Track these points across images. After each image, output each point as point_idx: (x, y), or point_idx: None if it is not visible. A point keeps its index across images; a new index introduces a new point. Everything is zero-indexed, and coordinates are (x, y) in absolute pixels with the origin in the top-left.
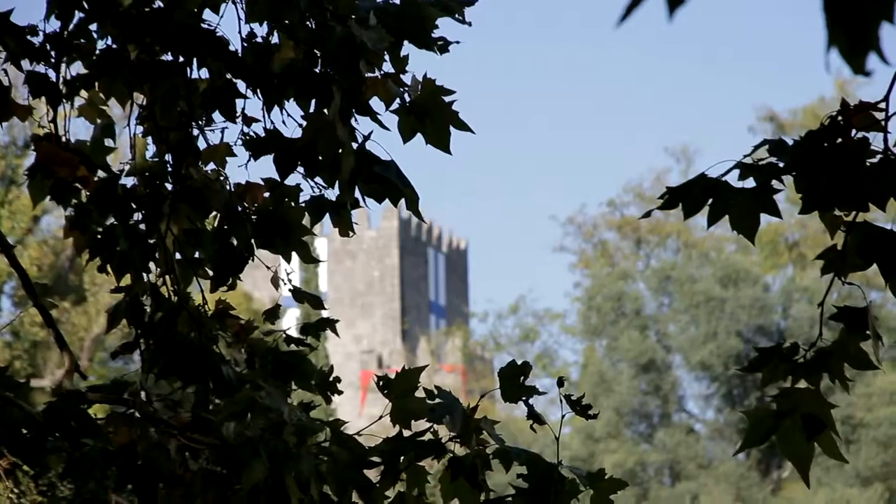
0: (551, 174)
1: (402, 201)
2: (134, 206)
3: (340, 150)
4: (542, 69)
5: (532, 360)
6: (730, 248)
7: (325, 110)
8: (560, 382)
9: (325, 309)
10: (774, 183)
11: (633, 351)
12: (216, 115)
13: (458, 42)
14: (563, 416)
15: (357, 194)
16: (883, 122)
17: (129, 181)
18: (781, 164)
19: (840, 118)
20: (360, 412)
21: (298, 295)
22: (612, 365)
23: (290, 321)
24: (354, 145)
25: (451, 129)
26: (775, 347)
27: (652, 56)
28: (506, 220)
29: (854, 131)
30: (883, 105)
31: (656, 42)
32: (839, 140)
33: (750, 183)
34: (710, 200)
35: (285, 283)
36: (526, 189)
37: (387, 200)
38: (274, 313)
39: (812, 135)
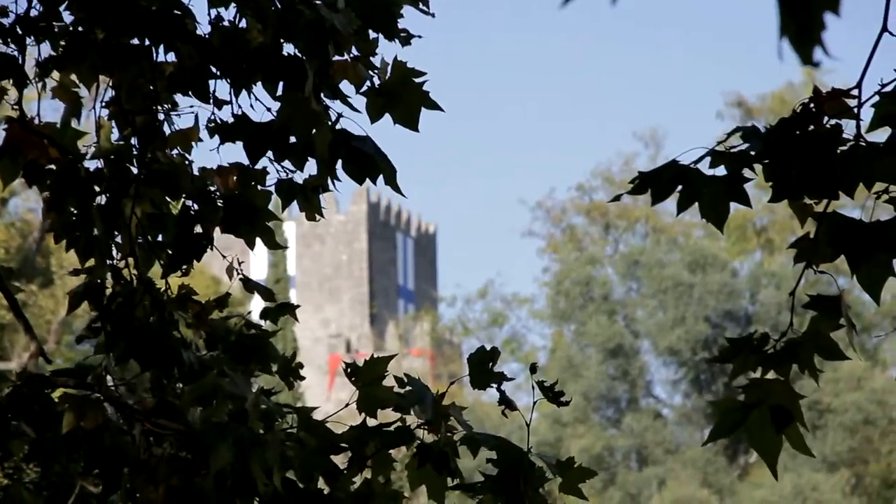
0: (520, 158)
1: (381, 180)
2: (97, 188)
3: (315, 130)
4: (511, 54)
5: (500, 344)
6: (698, 234)
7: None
8: (533, 369)
9: (275, 302)
10: (746, 171)
11: (602, 336)
12: (182, 100)
13: (420, 37)
14: (534, 403)
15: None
16: (855, 110)
17: (94, 164)
18: (753, 152)
19: (812, 105)
20: (328, 396)
21: (249, 285)
22: (581, 350)
23: (258, 306)
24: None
25: (423, 111)
26: (746, 338)
27: (621, 41)
28: (475, 204)
29: (826, 118)
30: (855, 92)
31: (625, 27)
32: (811, 127)
33: (721, 171)
34: (680, 187)
35: (237, 272)
36: (495, 173)
37: (359, 182)
38: (223, 301)
39: (784, 122)
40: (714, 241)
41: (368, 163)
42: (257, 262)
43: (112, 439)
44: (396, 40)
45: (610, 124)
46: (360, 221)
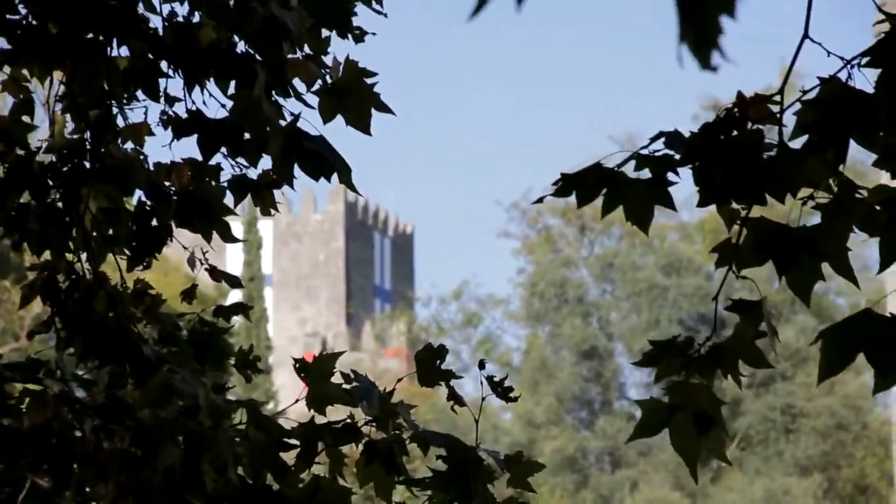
0: (498, 159)
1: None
2: (51, 183)
3: (268, 129)
4: (489, 53)
5: (475, 345)
6: (673, 237)
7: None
8: (481, 365)
9: (241, 288)
10: (670, 175)
11: (576, 338)
12: (136, 94)
13: (374, 34)
14: (483, 398)
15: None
16: (778, 115)
17: (47, 158)
18: (678, 157)
19: (736, 110)
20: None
21: (215, 275)
22: (555, 351)
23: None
24: (283, 123)
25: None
26: (670, 341)
27: (597, 42)
28: (453, 204)
29: (750, 124)
30: (778, 98)
31: (601, 28)
32: (735, 132)
33: (646, 174)
34: (605, 190)
35: (201, 263)
36: (473, 174)
37: (315, 179)
38: (191, 293)
39: (708, 127)
40: (689, 244)
41: (322, 162)
42: (232, 261)
43: (61, 434)
44: (350, 38)
45: (586, 126)
46: (337, 221)
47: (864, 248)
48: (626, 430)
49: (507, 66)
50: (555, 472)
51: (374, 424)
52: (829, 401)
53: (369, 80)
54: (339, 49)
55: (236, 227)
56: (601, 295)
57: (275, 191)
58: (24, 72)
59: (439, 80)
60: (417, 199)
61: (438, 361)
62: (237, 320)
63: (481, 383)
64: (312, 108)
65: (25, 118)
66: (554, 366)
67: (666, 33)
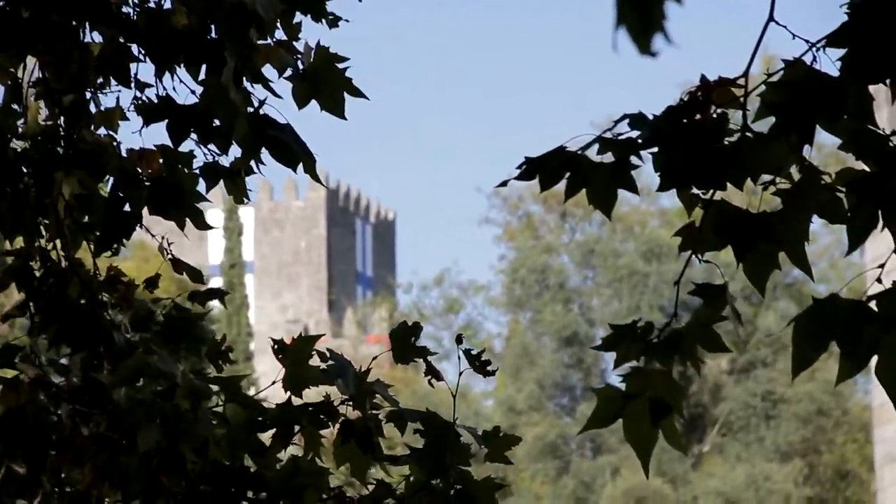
0: (479, 145)
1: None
2: (25, 169)
3: (234, 116)
4: (471, 39)
5: (456, 331)
6: (654, 223)
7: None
8: (458, 340)
9: (203, 283)
10: (633, 159)
11: (557, 324)
12: (109, 79)
13: (347, 20)
14: (460, 373)
15: (254, 161)
16: (742, 99)
17: (20, 145)
18: (640, 140)
19: (699, 94)
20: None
21: (177, 266)
22: (536, 338)
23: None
24: (250, 110)
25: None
26: (629, 326)
27: (579, 26)
28: (434, 190)
29: (714, 108)
30: (742, 81)
31: (584, 12)
32: (698, 116)
33: (609, 157)
34: (568, 174)
35: (167, 253)
36: (455, 160)
37: (286, 166)
38: (154, 282)
39: (671, 110)
40: (670, 230)
41: (287, 151)
42: (214, 247)
43: (36, 419)
44: (324, 22)
45: (567, 111)
46: (318, 207)
47: (842, 232)
48: None
49: (491, 52)
50: (536, 459)
51: (350, 404)
52: (809, 386)
53: (341, 65)
54: (312, 35)
55: (216, 214)
56: (582, 281)
57: (260, 178)
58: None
59: (422, 67)
60: (399, 185)
61: (413, 338)
62: (216, 307)
63: (458, 358)
64: (280, 96)
65: (14, 106)
66: (535, 352)
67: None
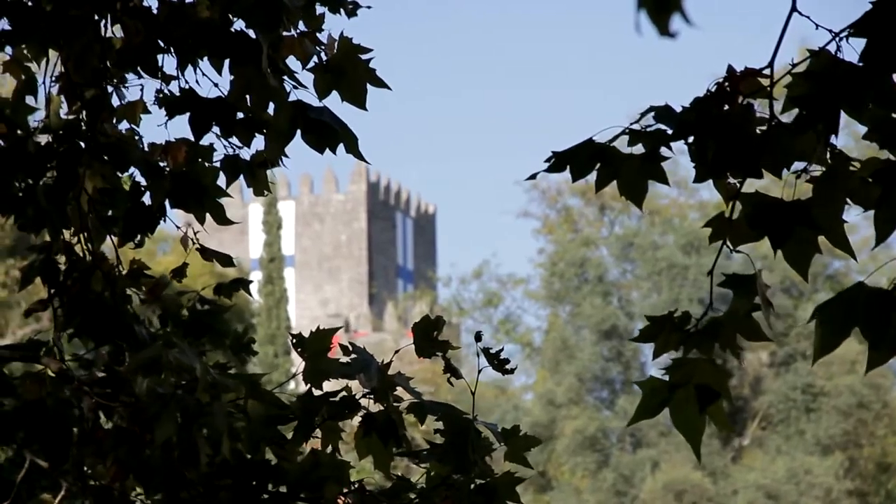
0: (520, 138)
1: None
2: (48, 164)
3: (273, 103)
4: (517, 31)
5: (495, 325)
6: (693, 216)
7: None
8: (477, 337)
9: (233, 266)
10: (663, 150)
11: (596, 317)
12: (130, 74)
13: (369, 7)
14: (479, 370)
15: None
16: (769, 89)
17: (44, 139)
18: (670, 131)
19: (727, 84)
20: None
21: (206, 254)
22: (575, 331)
23: (254, 286)
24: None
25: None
26: (667, 317)
27: (616, 20)
28: (475, 183)
29: (741, 98)
30: (768, 71)
31: (620, 6)
32: (726, 107)
33: (639, 149)
34: (598, 165)
35: (194, 243)
36: (496, 153)
37: (320, 152)
38: (181, 272)
39: (700, 101)
40: None
41: (328, 132)
42: (254, 242)
43: (57, 412)
44: (342, 13)
45: (604, 104)
46: (359, 201)
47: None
48: None
49: (536, 45)
50: (576, 452)
51: (371, 397)
52: (849, 379)
53: (364, 56)
54: (339, 28)
55: (256, 208)
56: (621, 274)
57: (302, 171)
58: (26, 52)
59: (465, 60)
60: (440, 178)
61: (435, 332)
62: (256, 301)
63: (477, 355)
64: (305, 87)
65: (29, 98)
66: (574, 346)
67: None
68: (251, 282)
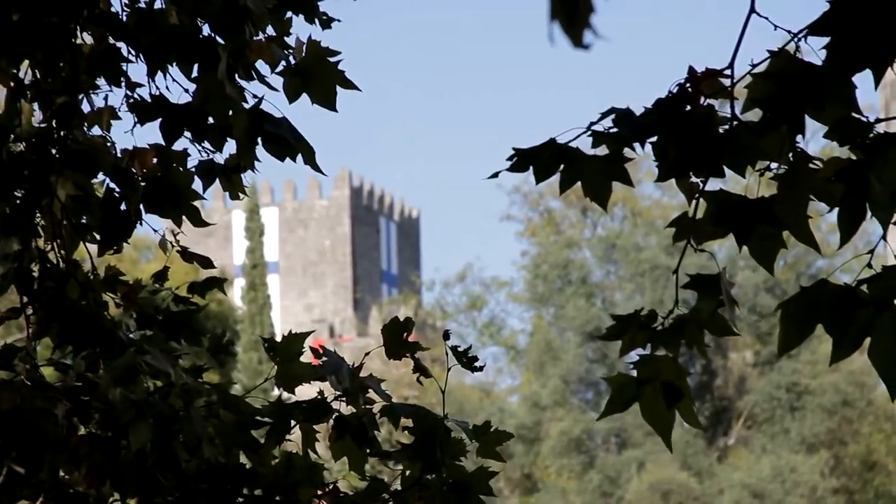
0: (502, 142)
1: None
2: (21, 172)
3: (231, 111)
4: (498, 34)
5: (479, 328)
6: (675, 217)
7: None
8: (446, 336)
9: (214, 268)
10: (627, 151)
11: (580, 319)
12: (101, 81)
13: (339, 20)
14: (448, 369)
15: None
16: (729, 89)
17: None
18: (631, 133)
19: (688, 85)
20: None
21: (186, 256)
22: (560, 333)
23: (238, 291)
24: (246, 106)
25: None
26: (633, 315)
27: (613, 21)
28: (458, 187)
29: (703, 98)
30: (729, 71)
31: (611, 8)
32: (688, 107)
33: (603, 150)
34: (562, 166)
35: (173, 246)
36: (477, 157)
37: (281, 160)
38: (163, 275)
39: (662, 102)
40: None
41: (285, 144)
42: (238, 249)
43: (32, 420)
44: (317, 23)
45: (587, 107)
46: (343, 206)
47: (868, 223)
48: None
49: (517, 47)
50: (561, 454)
51: (343, 399)
52: (834, 377)
53: (333, 59)
54: (326, 39)
55: (238, 215)
56: (605, 276)
57: (285, 178)
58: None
59: (446, 64)
60: (423, 183)
61: (405, 334)
62: (240, 308)
63: (446, 354)
64: (276, 90)
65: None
66: (559, 347)
67: (654, 13)
68: (225, 280)
